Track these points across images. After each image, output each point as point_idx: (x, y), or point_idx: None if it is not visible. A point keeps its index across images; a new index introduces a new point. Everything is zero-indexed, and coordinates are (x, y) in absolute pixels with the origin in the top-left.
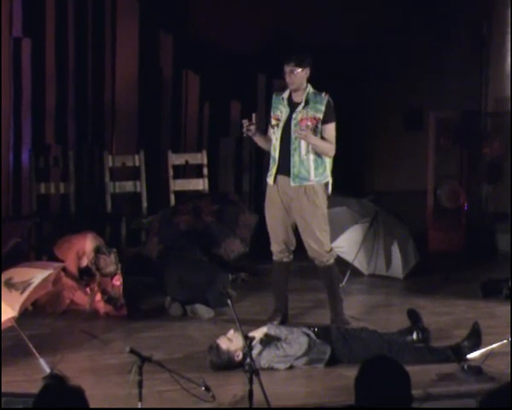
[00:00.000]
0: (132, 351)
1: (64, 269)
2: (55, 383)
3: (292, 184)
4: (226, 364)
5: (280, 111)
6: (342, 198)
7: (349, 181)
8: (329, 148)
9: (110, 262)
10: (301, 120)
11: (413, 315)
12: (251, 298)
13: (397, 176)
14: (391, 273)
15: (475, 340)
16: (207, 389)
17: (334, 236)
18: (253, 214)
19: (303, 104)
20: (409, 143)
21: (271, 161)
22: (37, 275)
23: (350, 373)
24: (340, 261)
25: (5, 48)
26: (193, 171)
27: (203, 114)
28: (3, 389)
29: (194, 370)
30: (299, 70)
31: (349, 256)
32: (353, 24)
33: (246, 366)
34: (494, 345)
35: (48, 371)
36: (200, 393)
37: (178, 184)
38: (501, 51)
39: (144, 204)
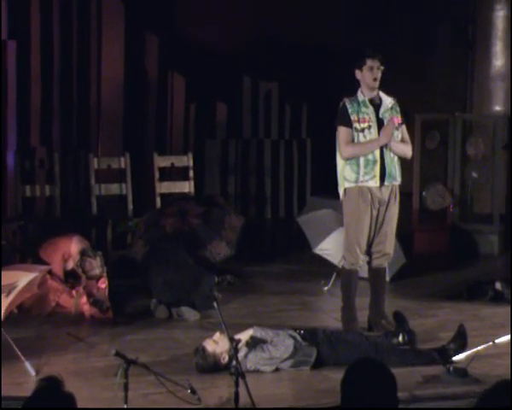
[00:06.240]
0: (118, 354)
1: (49, 272)
2: (49, 386)
3: (386, 183)
4: (212, 366)
5: (365, 113)
6: (328, 200)
7: (336, 184)
8: (410, 148)
9: (96, 265)
10: (391, 118)
11: (399, 317)
12: (237, 301)
13: None
14: None
15: (461, 342)
16: (193, 391)
17: (320, 238)
18: (239, 217)
19: (385, 103)
20: None
21: (368, 163)
22: (22, 278)
23: (336, 376)
24: (325, 264)
25: None
26: (179, 173)
27: (189, 116)
28: None
29: (179, 373)
30: (382, 68)
31: (334, 259)
32: (344, 24)
33: (232, 369)
34: (479, 347)
35: (33, 374)
36: (186, 396)
37: (164, 187)
38: (486, 53)
39: (130, 207)
